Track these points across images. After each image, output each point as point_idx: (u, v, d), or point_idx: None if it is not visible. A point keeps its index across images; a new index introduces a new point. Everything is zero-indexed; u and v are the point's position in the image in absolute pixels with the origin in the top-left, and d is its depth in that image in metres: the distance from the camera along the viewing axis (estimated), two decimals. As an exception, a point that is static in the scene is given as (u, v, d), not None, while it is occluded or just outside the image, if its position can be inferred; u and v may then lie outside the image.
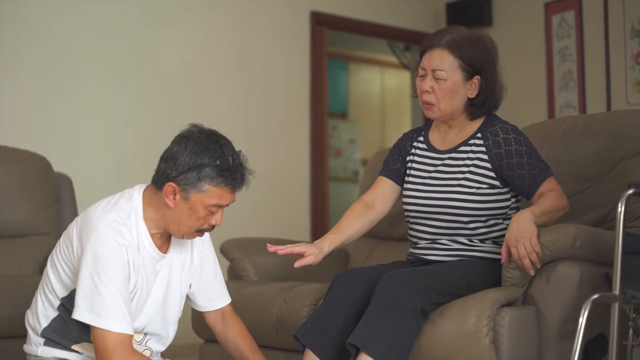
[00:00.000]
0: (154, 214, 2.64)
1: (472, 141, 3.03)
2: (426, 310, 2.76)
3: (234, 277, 3.98)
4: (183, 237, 2.67)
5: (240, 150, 2.63)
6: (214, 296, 2.92)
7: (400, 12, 6.93)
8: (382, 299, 2.72)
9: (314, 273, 3.99)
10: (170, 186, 2.57)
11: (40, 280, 2.77)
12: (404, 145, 3.23)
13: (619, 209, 2.61)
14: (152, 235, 2.65)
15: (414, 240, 3.12)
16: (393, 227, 4.03)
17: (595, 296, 2.52)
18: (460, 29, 3.04)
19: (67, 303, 2.63)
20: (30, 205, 4.35)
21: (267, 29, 6.20)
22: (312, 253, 2.93)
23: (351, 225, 3.13)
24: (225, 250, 4.01)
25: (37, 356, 2.68)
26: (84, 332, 2.62)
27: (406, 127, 8.31)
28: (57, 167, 4.60)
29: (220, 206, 2.61)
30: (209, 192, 2.57)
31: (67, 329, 2.64)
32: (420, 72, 3.04)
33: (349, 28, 6.80)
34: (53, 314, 2.67)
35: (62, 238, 2.69)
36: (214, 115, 5.76)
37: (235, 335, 2.90)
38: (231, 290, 3.45)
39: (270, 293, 3.47)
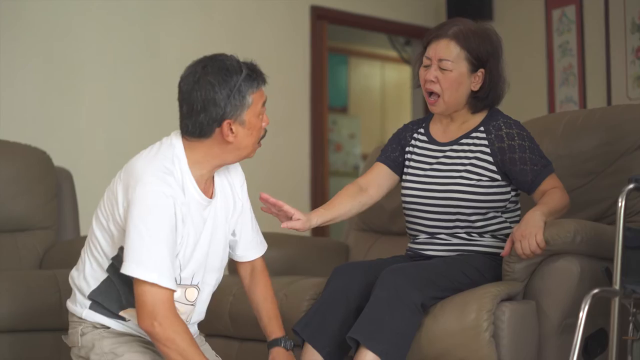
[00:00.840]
0: (202, 162, 2.62)
1: (474, 134, 3.03)
2: (426, 304, 2.76)
3: (234, 271, 3.97)
4: (247, 157, 2.68)
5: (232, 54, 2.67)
6: (250, 246, 2.91)
7: (400, 6, 6.93)
8: (383, 293, 2.72)
9: (315, 268, 4.00)
10: (226, 124, 2.57)
11: (85, 241, 2.74)
12: (404, 136, 3.22)
13: (620, 204, 2.61)
14: (196, 180, 2.63)
15: (413, 233, 3.11)
16: (393, 222, 4.03)
17: (596, 291, 2.52)
18: (467, 21, 3.04)
19: (118, 262, 2.59)
20: (30, 199, 4.35)
21: (268, 23, 6.20)
22: (301, 219, 2.90)
23: (342, 203, 3.10)
24: (225, 245, 4.00)
25: (81, 318, 2.67)
26: (133, 297, 2.59)
27: (407, 121, 8.31)
28: (57, 162, 4.60)
29: (264, 105, 2.67)
30: (254, 101, 2.61)
31: (116, 292, 2.62)
32: (425, 62, 3.03)
33: (349, 22, 6.80)
34: (102, 275, 2.64)
35: (105, 195, 2.66)
36: (214, 109, 5.75)
37: (258, 296, 2.90)
38: (232, 285, 3.47)
39: (270, 287, 3.47)
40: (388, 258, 3.14)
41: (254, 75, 2.61)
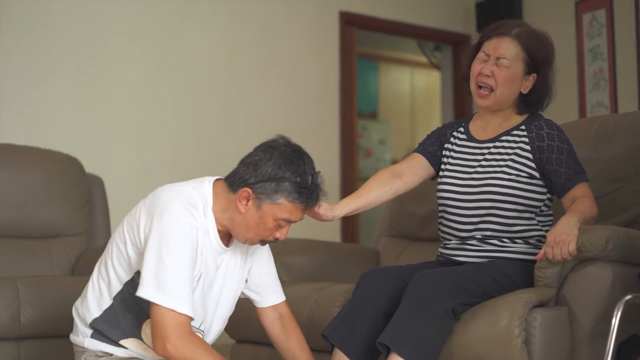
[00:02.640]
0: (222, 212, 2.62)
1: (515, 132, 3.04)
2: (457, 310, 2.75)
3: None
4: (246, 243, 2.66)
5: (319, 172, 2.64)
6: (271, 290, 2.88)
7: (429, 11, 6.92)
8: (413, 298, 2.72)
9: (345, 274, 4.00)
10: (245, 191, 2.56)
11: (92, 273, 2.75)
12: (444, 132, 3.23)
13: (652, 209, 2.59)
14: (218, 229, 2.64)
15: (445, 236, 3.10)
16: (423, 228, 4.03)
17: (628, 297, 2.51)
18: (527, 24, 3.09)
19: (131, 287, 2.59)
20: (62, 206, 4.39)
21: (297, 30, 6.21)
22: (323, 205, 2.88)
23: (371, 191, 3.11)
24: (256, 251, 4.00)
25: (84, 347, 2.68)
26: (135, 326, 2.62)
27: (437, 126, 8.29)
28: (89, 169, 4.64)
29: (289, 221, 2.61)
30: (283, 206, 2.56)
31: (118, 321, 2.63)
32: (482, 56, 3.05)
33: (378, 28, 6.80)
34: (107, 303, 2.65)
35: (125, 220, 2.66)
36: (244, 116, 5.78)
37: (295, 345, 2.85)
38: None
39: (301, 293, 3.48)
40: (418, 263, 3.13)
41: (303, 191, 2.57)
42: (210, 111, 5.67)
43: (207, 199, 2.62)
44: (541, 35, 3.07)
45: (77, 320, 2.72)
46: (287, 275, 3.94)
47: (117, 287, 2.64)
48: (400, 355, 2.65)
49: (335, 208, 2.96)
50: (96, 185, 4.61)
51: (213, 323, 2.75)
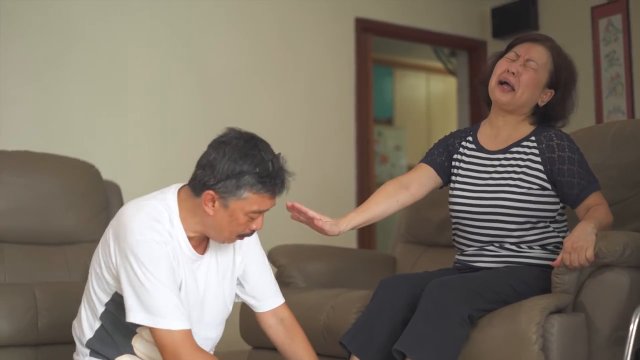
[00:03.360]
0: (191, 218, 2.60)
1: (525, 143, 3.03)
2: (473, 316, 2.75)
3: (281, 283, 3.98)
4: (224, 242, 2.66)
5: (279, 153, 2.58)
6: (268, 294, 2.87)
7: (445, 17, 6.91)
8: (429, 305, 2.72)
9: (361, 280, 4.00)
10: (209, 194, 2.53)
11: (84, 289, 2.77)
12: (452, 142, 3.22)
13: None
14: (188, 237, 2.62)
15: (461, 247, 3.10)
16: (440, 234, 4.02)
17: (646, 303, 2.49)
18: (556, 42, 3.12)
19: (112, 307, 2.62)
20: (79, 213, 4.40)
21: (312, 36, 6.22)
22: (329, 221, 2.90)
23: (378, 204, 3.10)
24: (272, 257, 4.01)
25: None
26: (127, 344, 2.64)
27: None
28: (105, 175, 4.65)
29: (260, 212, 2.59)
30: (249, 199, 2.53)
31: (110, 340, 2.64)
32: (512, 56, 3.07)
33: (393, 34, 6.79)
34: (97, 324, 2.66)
35: (100, 242, 2.66)
36: (259, 122, 5.78)
37: (301, 351, 2.84)
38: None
39: (317, 300, 3.48)
40: (435, 270, 3.13)
41: (266, 180, 2.52)
42: (226, 117, 5.68)
43: (171, 209, 2.60)
44: (569, 58, 3.12)
45: (75, 340, 2.74)
46: (303, 282, 3.95)
47: (100, 309, 2.65)
48: (417, 362, 2.65)
49: (340, 223, 2.96)
50: (113, 191, 4.63)
51: (201, 330, 2.71)
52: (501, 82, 3.04)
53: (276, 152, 2.60)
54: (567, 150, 2.96)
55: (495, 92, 3.06)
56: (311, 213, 2.88)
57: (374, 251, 5.49)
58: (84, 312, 2.70)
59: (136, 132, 5.45)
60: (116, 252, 2.54)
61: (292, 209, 2.86)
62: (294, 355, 2.84)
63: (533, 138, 3.03)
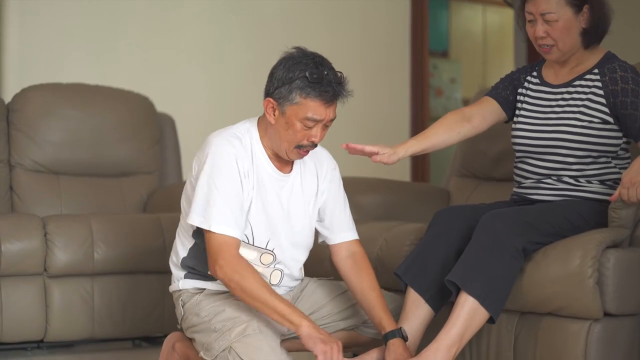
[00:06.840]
0: (266, 135, 2.74)
1: (588, 76, 2.98)
2: (528, 249, 2.73)
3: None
4: (288, 156, 2.72)
5: (340, 72, 2.69)
6: (344, 227, 2.91)
7: (503, -53, 6.78)
8: (482, 236, 2.71)
9: (415, 213, 3.98)
10: (268, 101, 2.68)
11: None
12: (517, 77, 3.17)
13: None
14: (269, 155, 2.75)
15: (519, 179, 3.07)
16: (495, 167, 3.98)
17: None
18: None
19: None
20: (134, 145, 4.44)
21: (367, -33, 6.14)
22: (386, 152, 2.89)
23: (438, 133, 3.08)
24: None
25: (179, 290, 2.79)
26: None
27: (509, 66, 8.17)
28: (159, 107, 4.67)
29: (314, 120, 2.65)
30: (301, 105, 2.63)
31: (204, 255, 2.70)
32: (528, 17, 2.99)
33: (450, -35, 6.68)
34: (190, 242, 2.77)
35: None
36: (313, 54, 5.74)
37: (366, 285, 2.84)
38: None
39: (371, 232, 3.47)
40: (492, 202, 3.10)
41: (315, 85, 2.63)
42: (280, 49, 5.63)
43: (251, 130, 2.75)
44: None
45: (172, 268, 2.84)
46: (357, 214, 3.93)
47: (192, 228, 2.74)
48: (469, 293, 2.65)
49: (398, 151, 2.94)
50: (167, 124, 4.65)
51: (286, 249, 2.78)
52: (543, 46, 2.98)
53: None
54: (631, 82, 2.89)
55: (543, 55, 3.02)
56: (368, 149, 2.87)
57: (428, 184, 5.46)
58: (178, 239, 2.82)
59: (190, 64, 5.46)
60: (198, 167, 2.71)
61: (347, 148, 2.85)
62: (358, 286, 2.86)
63: (596, 71, 2.97)
